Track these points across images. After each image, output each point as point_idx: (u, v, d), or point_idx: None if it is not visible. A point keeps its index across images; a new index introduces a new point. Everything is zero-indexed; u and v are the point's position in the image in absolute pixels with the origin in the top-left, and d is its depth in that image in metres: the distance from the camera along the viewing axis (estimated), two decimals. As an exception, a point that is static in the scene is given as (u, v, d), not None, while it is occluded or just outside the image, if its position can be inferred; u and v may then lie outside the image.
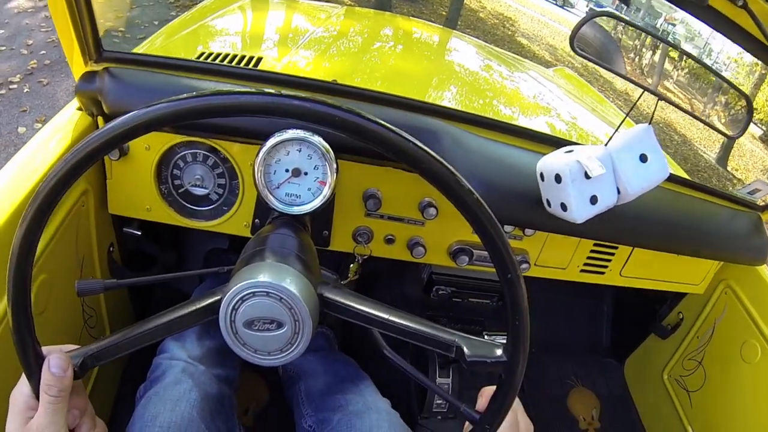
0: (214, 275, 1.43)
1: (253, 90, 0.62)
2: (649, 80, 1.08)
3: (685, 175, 1.82)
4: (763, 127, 21.79)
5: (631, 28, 1.15)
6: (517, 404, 0.80)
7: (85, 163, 0.61)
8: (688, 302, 1.75)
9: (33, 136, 1.10)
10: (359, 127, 0.62)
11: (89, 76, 1.06)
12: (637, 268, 1.48)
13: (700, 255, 1.46)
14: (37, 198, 0.60)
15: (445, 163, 0.63)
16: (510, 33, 14.05)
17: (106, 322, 1.35)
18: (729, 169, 12.64)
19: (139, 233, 1.33)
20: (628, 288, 1.55)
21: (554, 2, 27.27)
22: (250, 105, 0.61)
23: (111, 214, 1.22)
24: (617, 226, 1.21)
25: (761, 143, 20.32)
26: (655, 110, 0.99)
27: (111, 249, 1.32)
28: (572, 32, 0.93)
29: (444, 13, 11.36)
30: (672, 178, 1.36)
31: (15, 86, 4.43)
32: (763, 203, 1.52)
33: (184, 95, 0.61)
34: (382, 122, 0.62)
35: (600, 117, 2.13)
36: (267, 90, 0.62)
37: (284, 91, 0.61)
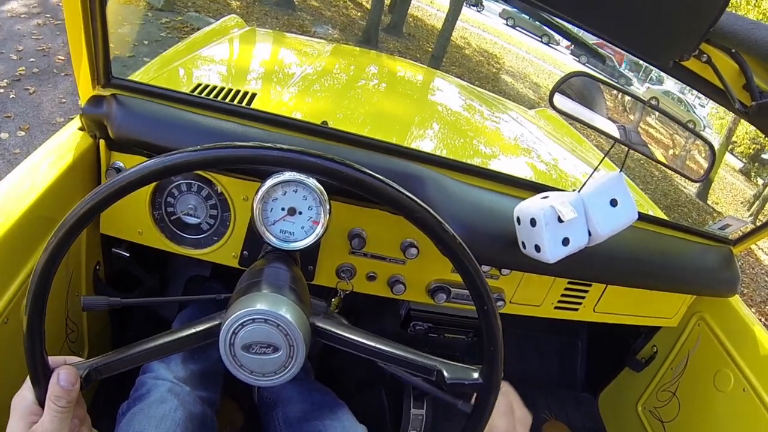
0: (199, 302, 1.46)
1: (253, 144, 0.70)
2: (632, 117, 1.15)
3: (660, 214, 1.88)
4: (743, 160, 22.22)
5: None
6: (513, 395, 0.88)
7: (117, 195, 0.68)
8: (662, 335, 1.80)
9: (34, 152, 1.13)
10: (359, 180, 0.71)
11: (96, 101, 1.10)
12: (611, 305, 1.53)
13: (673, 290, 1.52)
14: (63, 227, 0.67)
15: (432, 212, 0.72)
16: (495, 71, 14.27)
17: (86, 338, 1.37)
18: (709, 202, 12.83)
19: (128, 255, 1.35)
20: (603, 323, 1.60)
21: (539, 39, 27.70)
22: (257, 158, 0.71)
23: (101, 234, 1.25)
24: (590, 265, 1.27)
25: (741, 176, 20.70)
26: (626, 159, 1.06)
27: (97, 267, 1.34)
28: (551, 91, 1.01)
29: (430, 49, 11.55)
30: (644, 218, 1.43)
31: (1, 91, 4.43)
32: (735, 237, 1.59)
33: (209, 145, 0.71)
34: (382, 178, 0.71)
35: (579, 158, 2.20)
36: (265, 144, 0.71)
37: (285, 146, 0.70)
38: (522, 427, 0.87)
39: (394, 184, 0.71)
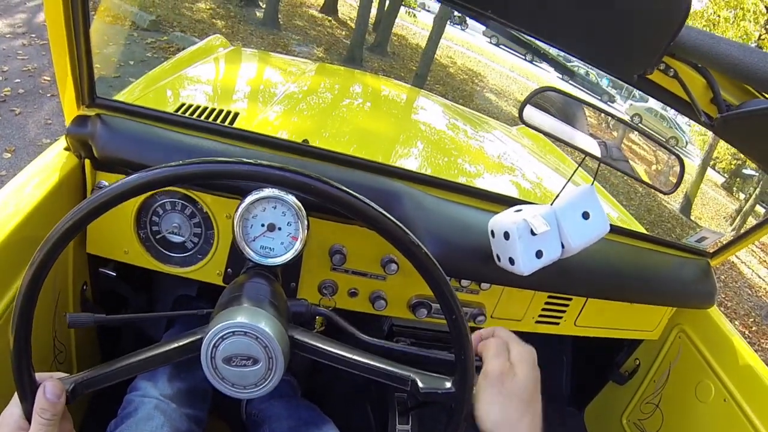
0: (185, 320, 1.47)
1: (232, 160, 0.72)
2: (609, 131, 1.18)
3: (639, 227, 1.91)
4: (725, 175, 22.45)
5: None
6: (509, 335, 0.87)
7: (100, 210, 0.69)
8: (644, 348, 1.83)
9: (19, 172, 1.14)
10: (330, 195, 0.73)
11: (81, 120, 1.11)
12: (592, 318, 1.55)
13: (651, 302, 1.54)
14: (48, 243, 0.68)
15: (398, 223, 0.74)
16: (479, 88, 14.40)
17: (74, 358, 1.37)
18: (692, 218, 12.94)
19: (114, 274, 1.36)
20: (586, 337, 1.62)
21: (523, 57, 27.96)
22: (234, 173, 0.73)
23: (87, 253, 1.26)
24: (568, 279, 1.29)
25: (723, 191, 20.92)
26: (597, 171, 1.10)
27: (84, 287, 1.34)
28: (520, 107, 1.04)
29: (414, 68, 11.64)
30: (620, 231, 1.46)
31: (-13, 112, 4.38)
32: (713, 250, 1.62)
33: (191, 160, 0.72)
34: (347, 189, 0.73)
35: (558, 173, 2.23)
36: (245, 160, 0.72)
37: (264, 162, 0.72)
38: (522, 364, 0.83)
39: (361, 197, 0.73)
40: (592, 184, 1.09)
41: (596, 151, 1.08)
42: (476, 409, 0.81)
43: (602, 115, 1.22)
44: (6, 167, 3.81)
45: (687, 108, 1.05)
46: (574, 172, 1.20)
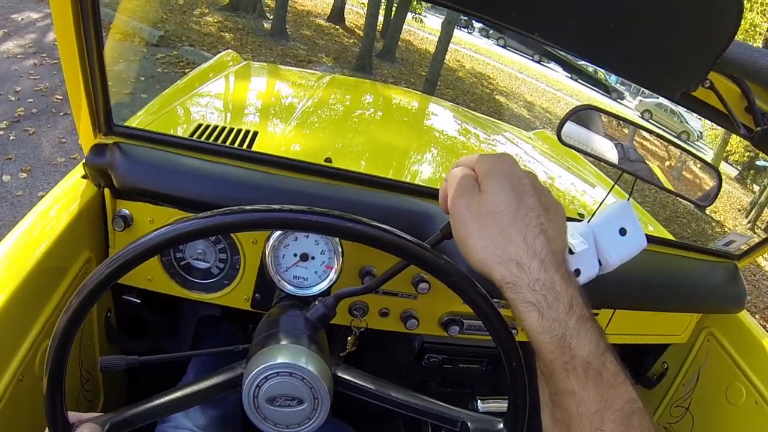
0: (212, 343, 1.45)
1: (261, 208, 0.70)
2: (632, 143, 1.16)
3: (664, 231, 1.88)
4: (738, 168, 22.30)
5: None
6: (471, 157, 0.71)
7: (138, 260, 0.68)
8: (672, 352, 1.79)
9: (39, 201, 1.13)
10: (369, 235, 0.71)
11: (99, 149, 1.09)
12: (621, 326, 1.52)
13: (681, 310, 1.52)
14: (84, 290, 0.66)
15: (471, 278, 0.73)
16: (489, 91, 14.40)
17: (101, 386, 1.36)
18: (707, 212, 12.86)
19: (139, 301, 1.35)
20: (613, 344, 1.59)
21: (531, 58, 27.93)
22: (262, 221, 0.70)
23: None
24: (599, 292, 1.26)
25: (737, 183, 20.77)
26: (633, 187, 1.07)
27: (108, 315, 1.34)
28: (558, 126, 1.02)
29: (423, 73, 11.66)
30: (650, 239, 1.43)
31: (1, 133, 4.46)
32: (739, 252, 1.59)
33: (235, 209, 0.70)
34: (392, 230, 0.72)
35: (580, 179, 2.21)
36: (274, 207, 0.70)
37: (294, 207, 0.71)
38: (487, 177, 0.66)
39: (407, 236, 0.72)
40: (629, 199, 1.07)
41: (629, 166, 1.06)
42: (462, 252, 0.67)
43: (622, 126, 1.19)
44: (22, 187, 3.82)
45: (724, 120, 1.02)
46: (611, 189, 1.18)
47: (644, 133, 1.23)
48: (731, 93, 0.98)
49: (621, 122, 1.13)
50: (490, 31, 28.11)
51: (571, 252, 1.01)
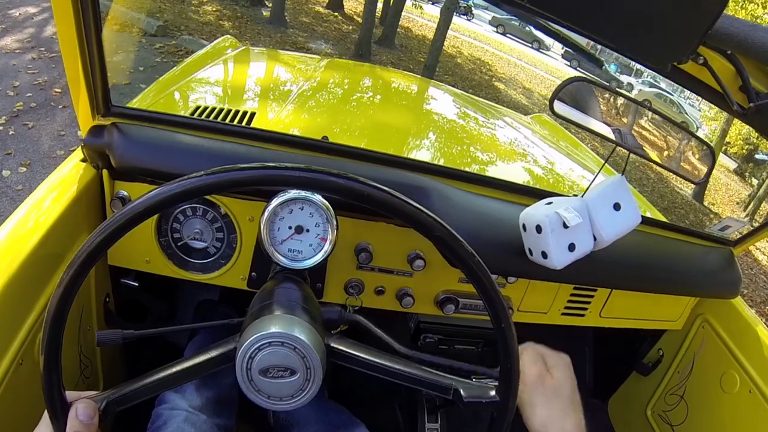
0: (209, 328, 1.46)
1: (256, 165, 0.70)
2: (629, 120, 1.16)
3: (660, 216, 1.89)
4: (737, 161, 22.25)
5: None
6: (540, 346, 0.93)
7: (125, 228, 0.69)
8: (667, 338, 1.80)
9: (37, 187, 1.13)
10: (371, 196, 0.71)
11: (97, 131, 1.09)
12: (616, 309, 1.54)
13: (676, 292, 1.52)
14: (74, 264, 0.66)
15: (451, 229, 0.72)
16: (488, 78, 14.35)
17: (100, 372, 1.37)
18: (705, 203, 12.85)
19: (136, 284, 1.35)
20: (608, 328, 1.60)
21: (530, 45, 27.80)
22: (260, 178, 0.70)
23: (109, 265, 1.25)
24: (595, 271, 1.27)
25: (736, 176, 20.74)
26: (627, 162, 1.07)
27: (107, 299, 1.34)
28: (551, 98, 1.01)
29: (422, 59, 11.62)
30: (646, 221, 1.44)
31: (0, 128, 4.44)
32: (735, 238, 1.59)
33: (221, 168, 0.69)
34: (396, 193, 0.71)
35: (577, 161, 2.22)
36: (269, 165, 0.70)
37: (290, 164, 0.70)
38: (558, 368, 0.90)
39: (409, 200, 0.71)
40: (623, 174, 1.07)
41: (621, 141, 1.06)
42: (523, 412, 0.85)
43: (614, 102, 1.19)
44: (22, 182, 3.82)
45: (718, 97, 1.02)
46: (605, 163, 1.18)
47: (640, 115, 1.24)
48: (725, 71, 0.98)
49: (613, 97, 1.13)
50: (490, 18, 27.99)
51: (565, 226, 1.02)
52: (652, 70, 0.93)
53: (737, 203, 15.82)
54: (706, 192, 13.19)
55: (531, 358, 0.90)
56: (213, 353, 0.79)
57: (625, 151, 1.08)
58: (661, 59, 0.83)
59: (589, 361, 2.23)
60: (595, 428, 1.97)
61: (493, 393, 0.81)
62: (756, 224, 1.50)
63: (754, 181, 18.77)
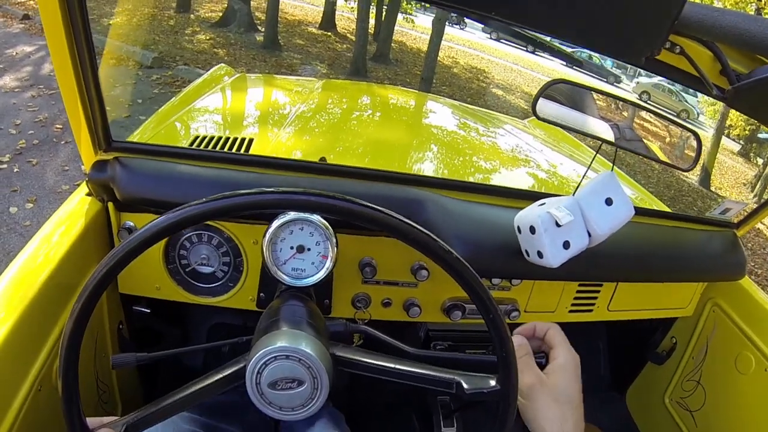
0: (221, 348, 1.48)
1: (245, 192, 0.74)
2: (621, 114, 1.18)
3: (662, 206, 1.90)
4: (741, 142, 22.11)
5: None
6: (561, 338, 0.95)
7: (131, 255, 0.71)
8: (679, 326, 1.81)
9: (45, 222, 1.16)
10: (352, 211, 0.75)
11: (100, 165, 1.13)
12: (624, 301, 1.55)
13: (682, 279, 1.53)
14: (85, 292, 0.70)
15: (425, 231, 0.76)
16: (485, 85, 14.35)
17: (118, 396, 1.40)
18: (713, 189, 12.74)
19: (148, 311, 1.38)
20: (619, 321, 1.61)
21: (524, 48, 27.76)
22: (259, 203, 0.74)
23: (120, 293, 1.28)
24: (596, 266, 1.29)
25: (740, 158, 20.59)
26: (615, 156, 1.09)
27: (120, 326, 1.37)
28: (532, 102, 1.04)
29: (418, 72, 11.63)
30: (643, 212, 1.45)
31: (5, 166, 4.49)
32: (737, 220, 1.60)
33: (220, 195, 0.74)
34: (371, 205, 0.75)
35: (575, 161, 2.24)
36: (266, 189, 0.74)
37: (281, 188, 0.75)
38: (557, 374, 0.91)
39: (386, 210, 0.75)
40: (612, 169, 1.09)
41: (611, 136, 1.08)
42: (524, 418, 0.88)
43: (604, 98, 1.21)
44: (29, 217, 3.87)
45: (698, 83, 1.05)
46: (593, 159, 1.20)
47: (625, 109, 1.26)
48: (703, 57, 1.00)
49: (595, 94, 1.15)
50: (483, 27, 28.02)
51: (557, 225, 1.04)
52: (628, 64, 0.96)
53: (743, 184, 15.69)
54: (712, 177, 13.10)
55: (524, 364, 0.90)
56: (224, 372, 0.82)
57: (613, 147, 1.10)
58: (633, 52, 0.85)
59: (603, 354, 2.22)
60: (614, 421, 1.98)
61: (493, 383, 0.83)
62: (758, 204, 1.51)
63: (759, 161, 18.63)
